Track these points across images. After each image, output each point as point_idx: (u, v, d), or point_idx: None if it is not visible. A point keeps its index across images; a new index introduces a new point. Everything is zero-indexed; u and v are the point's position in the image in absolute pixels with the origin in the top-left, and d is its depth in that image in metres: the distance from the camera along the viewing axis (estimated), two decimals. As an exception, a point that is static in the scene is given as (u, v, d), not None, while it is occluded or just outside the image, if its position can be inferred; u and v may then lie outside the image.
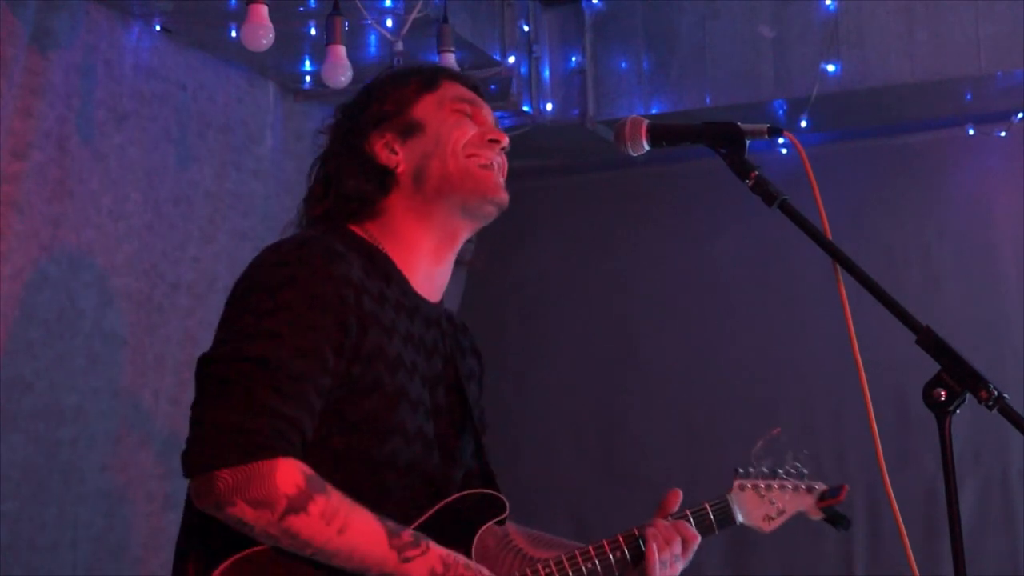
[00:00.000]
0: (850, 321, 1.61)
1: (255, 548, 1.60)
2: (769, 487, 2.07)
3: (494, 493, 1.82)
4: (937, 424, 1.49)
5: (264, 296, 1.65)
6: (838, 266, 1.60)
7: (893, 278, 4.41)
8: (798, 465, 2.09)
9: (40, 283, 3.22)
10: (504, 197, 1.85)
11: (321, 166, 1.88)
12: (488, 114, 1.90)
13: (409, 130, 1.83)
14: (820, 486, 2.10)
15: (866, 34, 4.21)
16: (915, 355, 1.54)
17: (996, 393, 1.46)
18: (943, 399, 1.48)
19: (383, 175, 1.82)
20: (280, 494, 1.55)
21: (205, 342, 1.72)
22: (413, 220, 1.82)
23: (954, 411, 1.49)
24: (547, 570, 1.82)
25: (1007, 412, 1.47)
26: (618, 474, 4.92)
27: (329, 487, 1.60)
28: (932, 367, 1.51)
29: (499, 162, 1.86)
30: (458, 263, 1.93)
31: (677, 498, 2.01)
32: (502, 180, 1.86)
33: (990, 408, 1.47)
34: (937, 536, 3.91)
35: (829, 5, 4.23)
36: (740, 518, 2.04)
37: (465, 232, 1.88)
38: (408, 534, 1.64)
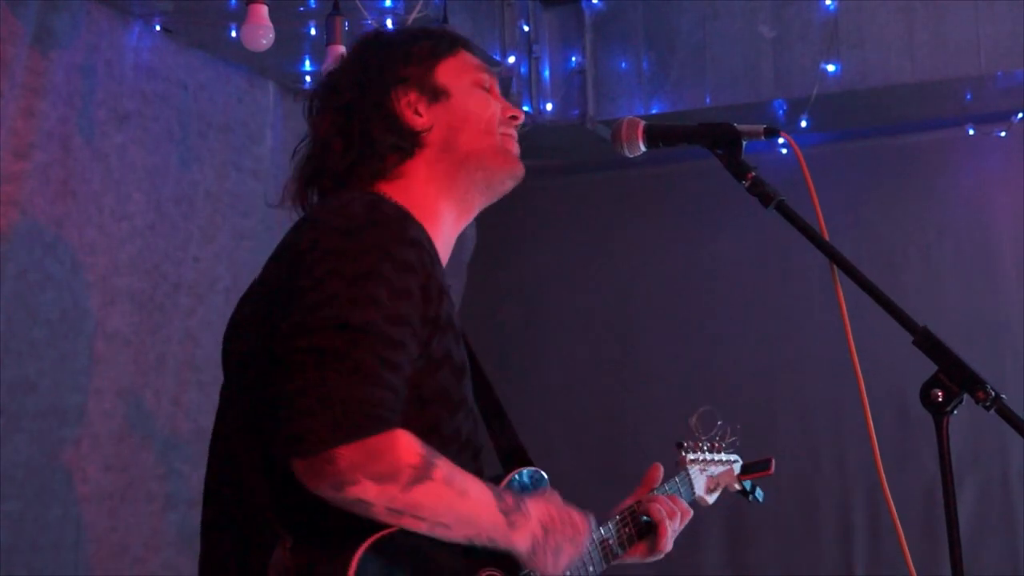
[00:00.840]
0: (847, 322, 1.62)
1: (389, 529, 1.49)
2: (710, 462, 2.16)
3: (536, 469, 1.84)
4: (935, 425, 1.49)
5: (350, 260, 1.52)
6: (835, 267, 1.61)
7: (893, 278, 4.42)
8: (734, 439, 2.17)
9: (43, 283, 3.23)
10: (523, 171, 1.83)
11: (338, 116, 1.76)
12: (497, 86, 1.87)
13: (434, 94, 1.77)
14: (746, 460, 2.20)
15: (866, 34, 4.21)
16: (914, 356, 1.54)
17: (994, 394, 1.46)
18: (940, 400, 1.49)
19: (412, 137, 1.74)
20: (404, 464, 1.46)
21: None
22: (435, 188, 1.75)
23: (951, 412, 1.49)
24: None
25: (1005, 413, 1.47)
26: (618, 474, 4.90)
27: (440, 453, 1.52)
28: (931, 367, 1.51)
29: (515, 136, 1.85)
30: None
31: (658, 472, 2.03)
32: (518, 151, 1.85)
33: (988, 409, 1.47)
34: (936, 536, 3.90)
35: (829, 5, 4.23)
36: (696, 491, 2.13)
37: (481, 205, 1.84)
38: (511, 497, 1.61)
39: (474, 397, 1.79)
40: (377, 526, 1.48)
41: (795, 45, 4.29)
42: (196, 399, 3.56)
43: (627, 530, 1.91)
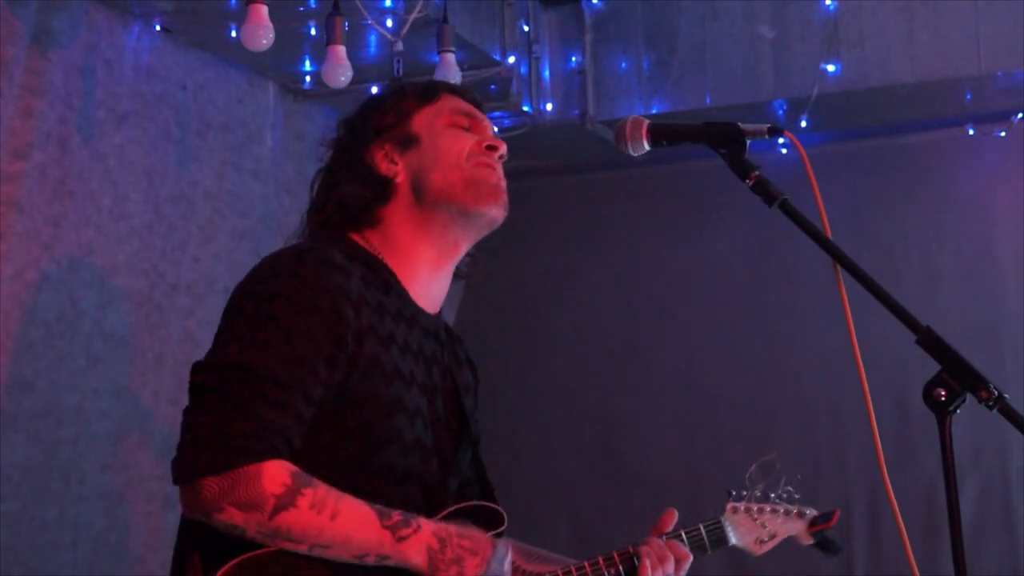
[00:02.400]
0: (850, 321, 1.61)
1: (257, 551, 1.60)
2: (761, 510, 2.12)
3: (492, 506, 1.82)
4: (937, 424, 1.49)
5: (258, 306, 1.67)
6: (838, 266, 1.60)
7: (893, 278, 4.41)
8: (790, 490, 2.14)
9: (41, 283, 3.22)
10: (504, 200, 1.85)
11: (323, 177, 1.91)
12: (488, 127, 1.92)
13: (407, 142, 1.85)
14: (811, 512, 2.16)
15: (866, 34, 4.21)
16: (916, 355, 1.54)
17: (996, 393, 1.47)
18: (943, 399, 1.49)
19: (383, 185, 1.84)
20: (267, 494, 1.57)
21: (205, 342, 1.73)
22: (412, 230, 1.84)
23: (954, 411, 1.49)
24: None
25: (1007, 412, 1.47)
26: (618, 475, 4.92)
27: (316, 480, 1.62)
28: (933, 367, 1.51)
29: (494, 165, 1.87)
30: (457, 277, 1.94)
31: (672, 518, 2.02)
32: (503, 185, 1.86)
33: (990, 408, 1.47)
34: (937, 536, 3.90)
35: (829, 5, 4.23)
36: (733, 539, 2.10)
37: (465, 243, 1.89)
38: (398, 514, 1.66)
39: (447, 432, 1.84)
40: (258, 546, 1.60)
41: (795, 45, 4.28)
42: (195, 399, 3.54)
43: (612, 570, 1.90)
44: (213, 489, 1.57)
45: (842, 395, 4.48)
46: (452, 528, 1.69)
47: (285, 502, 1.58)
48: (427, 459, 1.78)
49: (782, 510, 2.13)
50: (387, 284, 1.79)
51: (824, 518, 2.14)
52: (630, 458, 4.93)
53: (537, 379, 5.09)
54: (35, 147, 3.19)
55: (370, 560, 1.63)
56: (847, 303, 1.62)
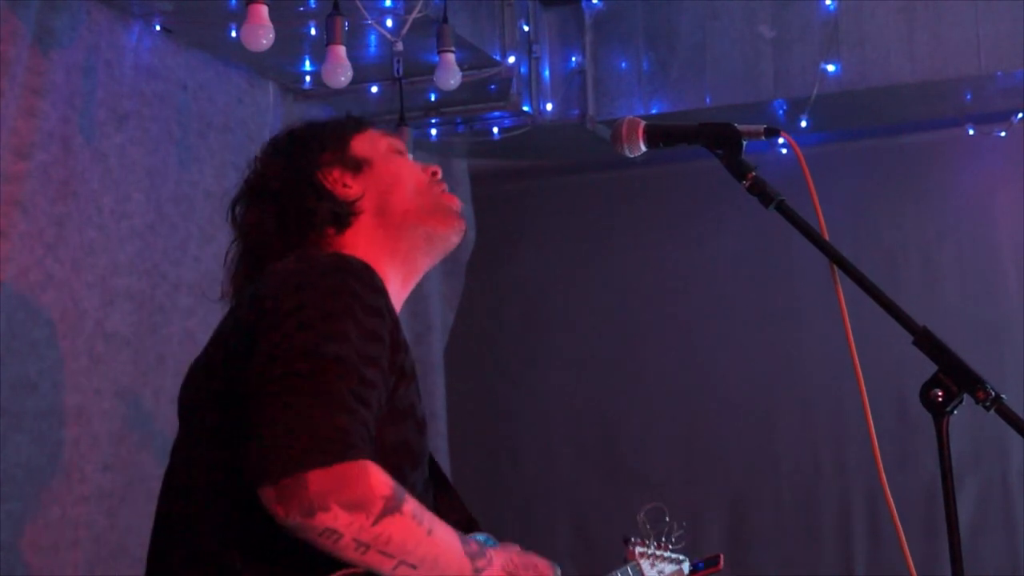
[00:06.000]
0: (847, 322, 1.62)
1: (351, 570, 1.46)
2: (660, 557, 2.14)
3: (469, 515, 1.80)
4: (935, 425, 1.49)
5: (321, 298, 1.53)
6: (835, 267, 1.61)
7: (893, 278, 4.42)
8: (681, 534, 2.15)
9: (44, 283, 3.23)
10: (464, 226, 1.85)
11: (268, 205, 1.79)
12: (407, 148, 1.92)
13: (357, 166, 1.81)
14: (693, 560, 2.19)
15: (866, 34, 4.21)
16: (914, 356, 1.54)
17: (994, 394, 1.46)
18: (940, 400, 1.49)
19: (344, 206, 1.77)
20: (377, 495, 1.42)
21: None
22: (376, 251, 1.77)
23: (951, 412, 1.49)
24: None
25: (1005, 413, 1.47)
26: (618, 474, 4.92)
27: (406, 490, 1.49)
28: (931, 367, 1.51)
29: (446, 189, 1.88)
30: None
31: None
32: (460, 204, 1.88)
33: (988, 409, 1.47)
34: (936, 536, 3.91)
35: (829, 5, 4.23)
36: None
37: (426, 266, 1.86)
38: (475, 543, 1.58)
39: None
40: (338, 564, 1.45)
41: (795, 45, 4.28)
42: (196, 399, 3.55)
43: None
44: (320, 484, 1.38)
45: (842, 395, 4.49)
46: (516, 559, 1.65)
47: (392, 507, 1.43)
48: (429, 483, 1.74)
49: (673, 558, 2.16)
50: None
51: (711, 562, 2.19)
52: (630, 458, 4.94)
53: (537, 378, 5.10)
54: (38, 147, 3.19)
55: None
56: (844, 304, 1.63)
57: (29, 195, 3.16)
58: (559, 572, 1.70)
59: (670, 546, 2.16)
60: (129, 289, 3.50)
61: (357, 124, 1.88)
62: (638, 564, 2.08)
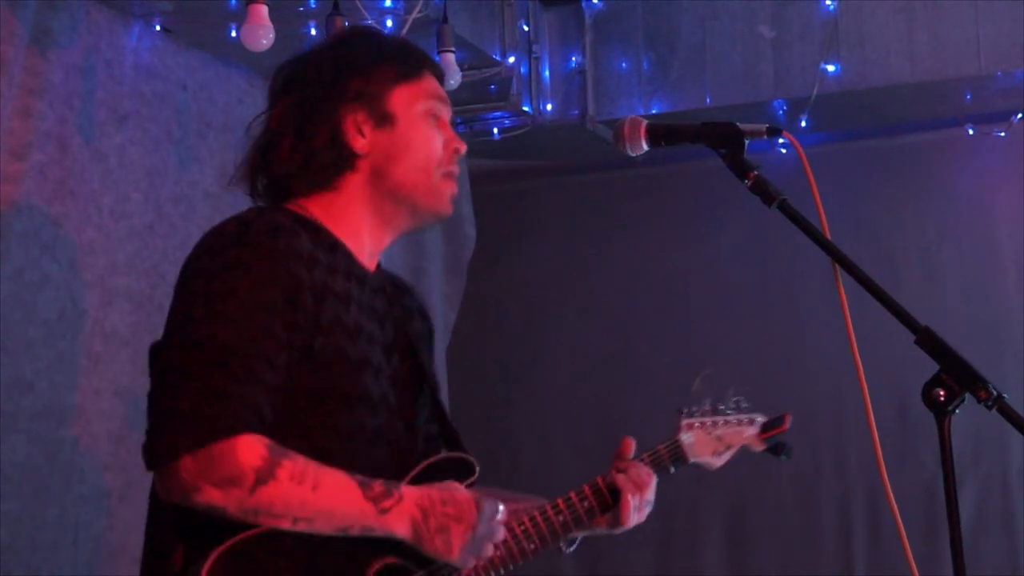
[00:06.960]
0: (849, 321, 1.61)
1: (238, 537, 1.57)
2: (715, 423, 2.14)
3: (463, 456, 1.82)
4: (936, 424, 1.49)
5: (209, 281, 1.66)
6: (837, 266, 1.61)
7: (893, 278, 4.42)
8: (739, 399, 2.15)
9: (41, 283, 3.23)
10: (450, 213, 1.87)
11: (294, 113, 1.80)
12: (449, 113, 1.90)
13: (381, 119, 1.80)
14: (762, 418, 2.18)
15: (866, 34, 4.21)
16: (915, 355, 1.54)
17: (995, 393, 1.46)
18: (942, 399, 1.48)
19: (347, 155, 1.79)
20: (246, 468, 1.54)
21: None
22: (358, 207, 1.80)
23: (953, 411, 1.49)
24: (522, 527, 1.85)
25: (1006, 412, 1.47)
26: (618, 474, 4.91)
27: (292, 452, 1.59)
28: (932, 366, 1.51)
29: (456, 173, 1.88)
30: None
31: (631, 445, 2.06)
32: (455, 192, 1.88)
33: (989, 408, 1.47)
34: (937, 536, 3.91)
35: (829, 5, 4.23)
36: (692, 456, 2.11)
37: (406, 229, 1.88)
38: (379, 484, 1.63)
39: (406, 388, 1.82)
40: (245, 527, 1.56)
41: (795, 45, 4.28)
42: (195, 399, 3.54)
43: (586, 503, 1.94)
44: (190, 469, 1.53)
45: (842, 395, 4.48)
46: (435, 495, 1.67)
47: (264, 475, 1.54)
48: (393, 417, 1.76)
49: (734, 420, 2.15)
50: (332, 245, 1.76)
51: (776, 423, 2.17)
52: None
53: (537, 378, 5.09)
54: (34, 147, 3.19)
55: (354, 532, 1.61)
56: (846, 303, 1.62)
57: (26, 195, 3.16)
58: (488, 510, 1.70)
59: (726, 408, 2.13)
60: (128, 289, 3.50)
61: (416, 69, 1.85)
62: (677, 440, 2.08)
